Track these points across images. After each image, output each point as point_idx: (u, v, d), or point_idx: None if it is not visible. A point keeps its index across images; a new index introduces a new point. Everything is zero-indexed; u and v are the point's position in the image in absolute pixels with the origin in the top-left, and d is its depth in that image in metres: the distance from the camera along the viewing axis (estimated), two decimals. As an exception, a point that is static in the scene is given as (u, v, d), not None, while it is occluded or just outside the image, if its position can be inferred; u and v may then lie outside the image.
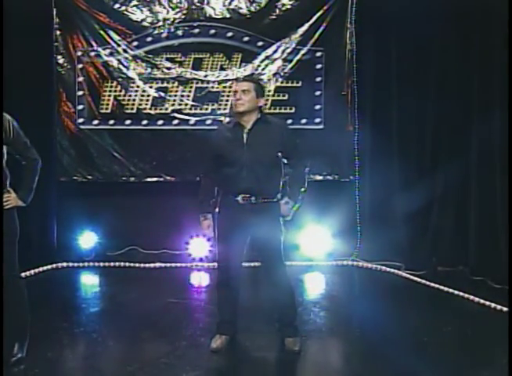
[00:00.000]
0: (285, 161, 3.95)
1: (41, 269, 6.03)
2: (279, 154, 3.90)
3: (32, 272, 5.90)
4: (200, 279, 6.07)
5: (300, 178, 4.03)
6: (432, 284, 5.65)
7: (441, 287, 5.53)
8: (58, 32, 6.31)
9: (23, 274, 5.71)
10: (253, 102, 3.88)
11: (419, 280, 5.82)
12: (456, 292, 5.37)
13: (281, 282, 4.00)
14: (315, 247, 6.52)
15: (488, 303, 5.03)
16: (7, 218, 3.59)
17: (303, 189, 4.02)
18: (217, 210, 3.99)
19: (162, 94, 6.48)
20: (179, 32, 6.44)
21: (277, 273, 3.98)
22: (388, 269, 6.17)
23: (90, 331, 4.40)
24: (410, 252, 6.27)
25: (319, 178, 6.50)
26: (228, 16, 6.43)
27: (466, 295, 5.26)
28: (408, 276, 5.96)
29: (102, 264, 6.33)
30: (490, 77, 5.74)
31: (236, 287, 4.06)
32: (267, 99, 6.35)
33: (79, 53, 6.37)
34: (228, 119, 5.97)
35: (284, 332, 4.11)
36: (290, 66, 6.47)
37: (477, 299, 5.14)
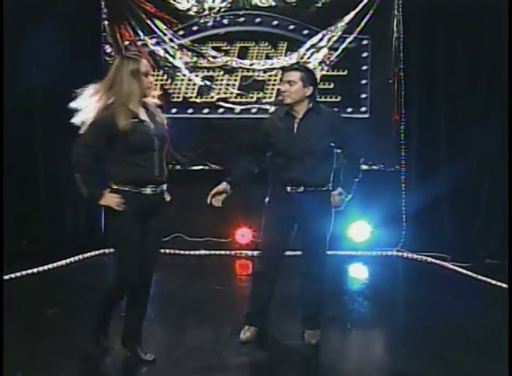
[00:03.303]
0: (338, 151, 3.90)
1: (89, 254, 6.19)
2: (332, 144, 3.84)
3: (81, 256, 6.07)
4: (245, 267, 6.13)
5: (354, 168, 3.98)
6: (479, 277, 5.55)
7: (489, 280, 5.44)
8: (106, 22, 6.41)
9: (68, 260, 5.90)
10: (300, 92, 3.76)
11: (465, 271, 5.74)
12: (504, 285, 5.26)
13: (316, 273, 3.94)
14: (360, 236, 6.49)
15: (537, 297, 4.93)
16: None
17: (357, 180, 3.97)
18: (267, 199, 3.95)
19: (208, 83, 6.52)
20: (225, 21, 6.46)
21: (316, 264, 3.94)
22: (434, 261, 6.10)
23: (137, 316, 4.47)
24: (457, 244, 6.18)
25: (365, 167, 6.39)
26: (273, 4, 6.42)
27: (515, 289, 5.16)
28: (454, 267, 5.89)
29: (148, 250, 6.43)
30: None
31: (274, 277, 3.99)
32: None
33: (126, 43, 6.47)
34: (273, 108, 5.99)
35: (305, 324, 4.05)
36: (335, 54, 6.41)
37: (526, 293, 5.04)
